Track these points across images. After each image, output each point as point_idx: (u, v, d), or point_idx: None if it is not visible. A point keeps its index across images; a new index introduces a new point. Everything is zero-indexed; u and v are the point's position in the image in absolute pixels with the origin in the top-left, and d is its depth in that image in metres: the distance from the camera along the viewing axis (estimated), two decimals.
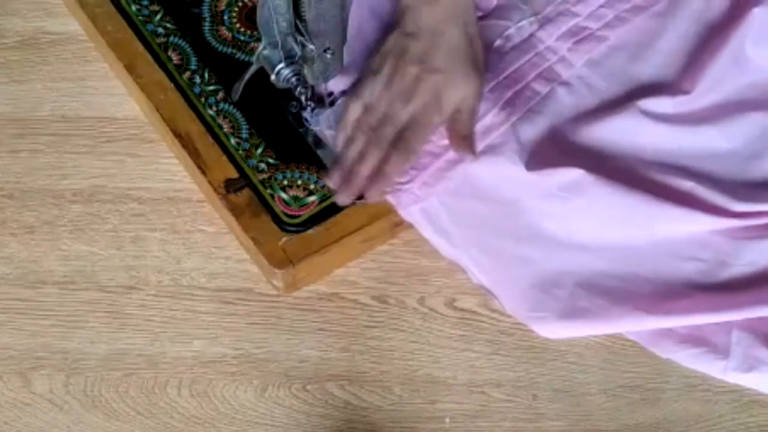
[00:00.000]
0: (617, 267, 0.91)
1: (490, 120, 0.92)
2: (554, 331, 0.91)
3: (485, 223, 0.92)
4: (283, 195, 0.94)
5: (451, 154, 0.92)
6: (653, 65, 0.95)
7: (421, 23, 0.89)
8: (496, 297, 0.92)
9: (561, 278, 0.91)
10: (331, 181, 0.90)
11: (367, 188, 0.89)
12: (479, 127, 0.91)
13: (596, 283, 0.91)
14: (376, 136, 0.89)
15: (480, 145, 0.91)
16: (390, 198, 0.92)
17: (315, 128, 0.96)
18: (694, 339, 0.89)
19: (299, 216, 0.94)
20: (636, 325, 0.90)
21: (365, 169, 0.89)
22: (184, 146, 0.97)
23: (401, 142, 0.89)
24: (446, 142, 0.92)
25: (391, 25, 0.92)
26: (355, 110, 0.90)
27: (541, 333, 0.91)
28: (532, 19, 0.96)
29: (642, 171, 0.91)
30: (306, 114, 0.96)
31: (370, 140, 0.89)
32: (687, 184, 0.90)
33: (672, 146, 0.92)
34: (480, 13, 0.99)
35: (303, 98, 0.93)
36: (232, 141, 0.97)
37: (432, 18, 0.89)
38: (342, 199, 0.90)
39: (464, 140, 0.90)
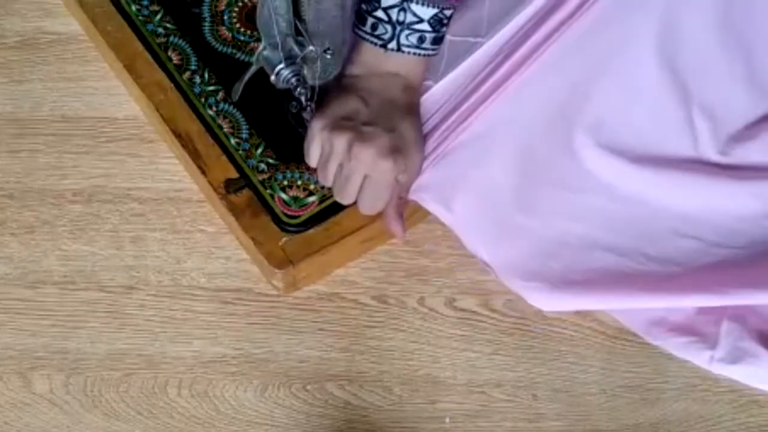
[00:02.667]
0: (612, 241, 0.91)
1: None
2: (546, 302, 0.91)
3: (489, 192, 0.92)
4: (283, 195, 0.94)
5: (458, 135, 0.92)
6: None
7: (372, 91, 0.89)
8: (490, 266, 0.92)
9: (557, 250, 0.91)
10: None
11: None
12: None
13: (591, 257, 0.91)
14: (342, 191, 0.90)
15: None
16: None
17: None
18: (685, 328, 0.90)
19: (299, 216, 0.94)
20: (628, 302, 0.91)
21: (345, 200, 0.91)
22: (184, 146, 0.97)
23: (364, 194, 0.90)
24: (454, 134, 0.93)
25: None
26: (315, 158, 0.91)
27: (533, 303, 0.91)
28: None
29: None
30: (306, 114, 0.96)
31: (338, 189, 0.90)
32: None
33: None
34: None
35: (303, 98, 0.93)
36: (232, 141, 0.97)
37: (381, 87, 0.89)
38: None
39: (399, 218, 0.91)
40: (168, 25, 1.02)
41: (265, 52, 0.88)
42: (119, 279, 0.97)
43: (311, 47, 0.87)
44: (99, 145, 1.03)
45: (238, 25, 1.02)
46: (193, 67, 1.00)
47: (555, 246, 0.91)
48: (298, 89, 0.91)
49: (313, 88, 0.92)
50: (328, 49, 0.88)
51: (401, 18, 0.86)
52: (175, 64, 1.00)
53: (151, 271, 0.97)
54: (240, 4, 1.03)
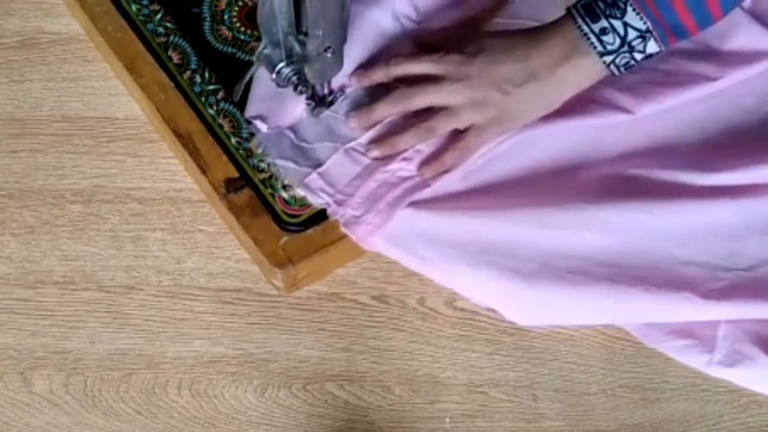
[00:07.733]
0: (612, 274, 0.91)
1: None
2: (547, 325, 0.92)
3: (463, 236, 0.92)
4: (284, 194, 0.94)
5: (407, 184, 0.92)
6: None
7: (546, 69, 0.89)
8: (482, 303, 0.92)
9: (558, 286, 0.91)
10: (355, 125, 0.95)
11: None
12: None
13: (591, 294, 0.90)
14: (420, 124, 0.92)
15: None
16: (347, 232, 0.91)
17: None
18: (682, 331, 0.90)
19: (299, 215, 0.94)
20: (626, 320, 0.91)
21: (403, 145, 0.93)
22: (185, 146, 0.97)
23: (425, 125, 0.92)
24: (403, 173, 0.92)
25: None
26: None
27: (536, 329, 0.92)
28: None
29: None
30: (306, 113, 0.96)
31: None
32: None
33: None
34: None
35: (303, 97, 0.93)
36: (233, 140, 0.97)
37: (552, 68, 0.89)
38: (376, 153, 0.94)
39: (440, 167, 0.92)
40: (168, 25, 1.02)
41: (266, 51, 0.88)
42: (119, 279, 0.97)
43: (312, 46, 0.87)
44: (99, 145, 1.03)
45: (238, 25, 1.02)
46: (193, 67, 1.00)
47: (556, 282, 0.91)
48: (299, 88, 0.91)
49: (313, 87, 0.92)
50: (329, 48, 0.88)
51: (635, 44, 0.86)
52: (175, 64, 1.00)
53: (151, 271, 0.97)
54: (240, 3, 1.03)
